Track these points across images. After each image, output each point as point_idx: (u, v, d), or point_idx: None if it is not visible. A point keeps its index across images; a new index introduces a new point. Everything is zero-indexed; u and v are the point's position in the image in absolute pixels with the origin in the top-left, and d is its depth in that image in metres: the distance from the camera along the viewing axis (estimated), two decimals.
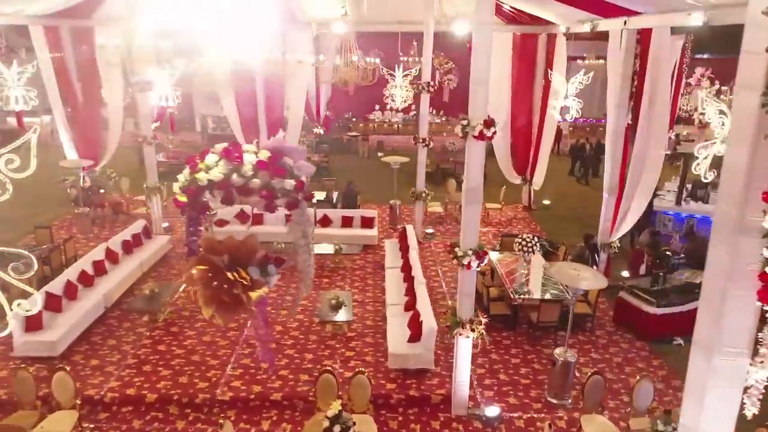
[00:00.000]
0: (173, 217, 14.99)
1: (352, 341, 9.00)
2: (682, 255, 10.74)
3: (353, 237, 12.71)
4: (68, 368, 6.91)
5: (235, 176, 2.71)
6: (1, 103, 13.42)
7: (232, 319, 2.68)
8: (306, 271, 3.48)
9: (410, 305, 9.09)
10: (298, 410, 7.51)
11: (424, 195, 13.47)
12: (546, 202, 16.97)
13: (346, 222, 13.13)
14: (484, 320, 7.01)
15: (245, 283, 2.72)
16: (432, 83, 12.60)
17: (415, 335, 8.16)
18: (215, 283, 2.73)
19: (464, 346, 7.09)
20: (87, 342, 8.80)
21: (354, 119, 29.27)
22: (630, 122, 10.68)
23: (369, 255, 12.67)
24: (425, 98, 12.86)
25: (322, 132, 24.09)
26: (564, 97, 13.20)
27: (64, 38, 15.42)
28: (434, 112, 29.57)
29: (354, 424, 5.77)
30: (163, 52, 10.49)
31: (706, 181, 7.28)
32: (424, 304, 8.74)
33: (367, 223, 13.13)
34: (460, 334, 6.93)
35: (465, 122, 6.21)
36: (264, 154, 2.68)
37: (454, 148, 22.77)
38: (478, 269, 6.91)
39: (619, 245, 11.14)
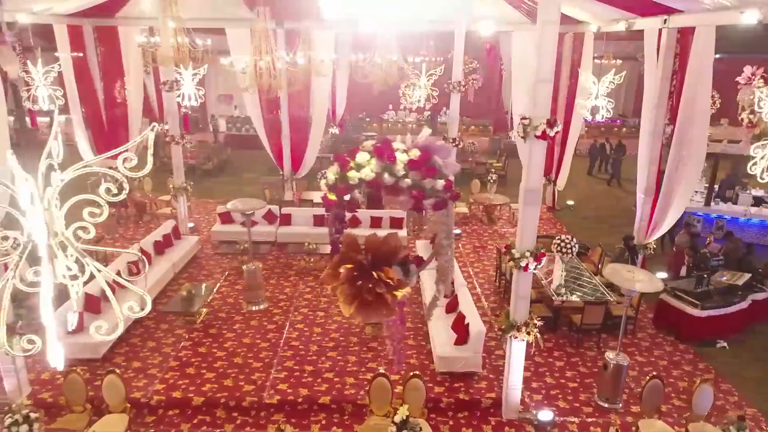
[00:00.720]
0: (197, 217, 14.94)
1: (382, 341, 8.89)
2: (721, 256, 10.62)
3: None
4: (118, 371, 6.81)
5: (386, 175, 2.61)
6: (28, 103, 13.34)
7: (372, 318, 2.60)
8: (447, 272, 3.32)
9: (452, 307, 8.99)
10: (347, 414, 7.41)
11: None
12: (570, 202, 16.86)
13: (375, 222, 13.02)
14: (539, 323, 6.90)
15: (390, 282, 2.62)
16: (463, 83, 12.48)
17: (462, 338, 8.05)
18: (360, 282, 2.64)
19: (518, 349, 6.99)
20: (127, 344, 8.71)
21: (368, 119, 29.22)
22: (667, 122, 10.59)
23: None
24: (455, 98, 12.77)
25: (337, 132, 24.06)
26: (594, 96, 13.09)
27: (87, 37, 15.35)
28: (446, 112, 29.53)
29: (421, 429, 5.67)
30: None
31: (762, 181, 7.16)
32: (468, 306, 8.64)
33: (396, 223, 13.02)
34: (515, 337, 6.83)
35: (527, 122, 6.11)
36: (414, 153, 2.58)
37: (474, 148, 22.63)
38: (535, 271, 6.80)
39: (655, 246, 11.02)
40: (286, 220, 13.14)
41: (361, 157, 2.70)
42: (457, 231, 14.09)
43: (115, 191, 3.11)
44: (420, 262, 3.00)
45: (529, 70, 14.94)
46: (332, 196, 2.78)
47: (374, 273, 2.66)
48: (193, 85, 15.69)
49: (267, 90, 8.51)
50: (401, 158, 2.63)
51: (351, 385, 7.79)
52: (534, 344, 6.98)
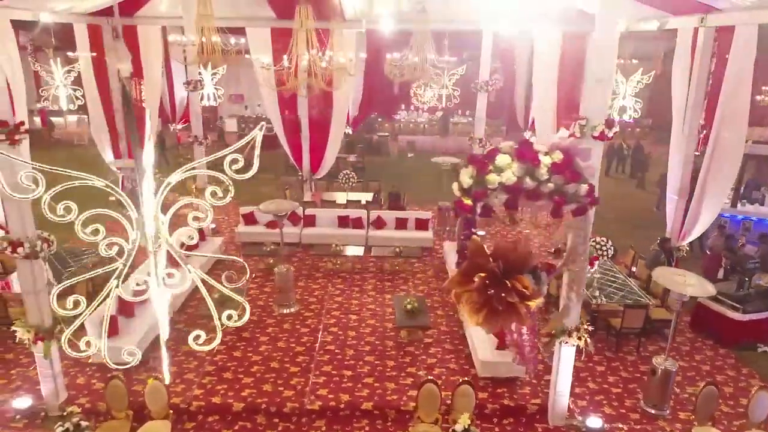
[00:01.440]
0: (217, 218, 14.78)
1: (431, 347, 8.75)
2: (757, 259, 10.47)
3: (409, 239, 12.42)
4: (161, 377, 6.65)
5: (528, 179, 2.47)
6: (48, 103, 13.23)
7: (500, 328, 2.45)
8: (581, 280, 3.12)
9: None
10: (390, 420, 7.27)
11: None
12: None
13: (400, 224, 12.87)
14: (590, 328, 6.76)
15: (524, 292, 2.48)
16: (491, 82, 12.34)
17: (504, 343, 7.90)
18: (491, 290, 2.49)
19: (567, 354, 6.85)
20: (157, 347, 8.54)
21: (380, 119, 29.03)
22: (702, 123, 10.43)
23: (426, 257, 12.41)
24: (482, 97, 12.61)
25: (350, 131, 23.90)
26: (622, 96, 12.96)
27: (107, 37, 15.19)
28: (460, 112, 29.36)
29: None
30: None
31: None
32: None
33: (421, 225, 12.86)
34: (566, 343, 6.68)
35: (583, 122, 5.95)
36: (557, 156, 2.43)
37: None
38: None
39: (688, 248, 10.86)
40: (310, 221, 12.99)
41: (502, 159, 2.55)
42: (482, 232, 13.94)
43: (221, 194, 2.98)
44: (551, 270, 2.85)
45: (550, 70, 14.82)
46: (467, 201, 2.63)
47: (507, 282, 2.51)
48: (212, 85, 15.62)
49: (306, 89, 8.35)
50: (545, 161, 2.48)
51: (392, 391, 7.64)
52: (583, 349, 6.83)
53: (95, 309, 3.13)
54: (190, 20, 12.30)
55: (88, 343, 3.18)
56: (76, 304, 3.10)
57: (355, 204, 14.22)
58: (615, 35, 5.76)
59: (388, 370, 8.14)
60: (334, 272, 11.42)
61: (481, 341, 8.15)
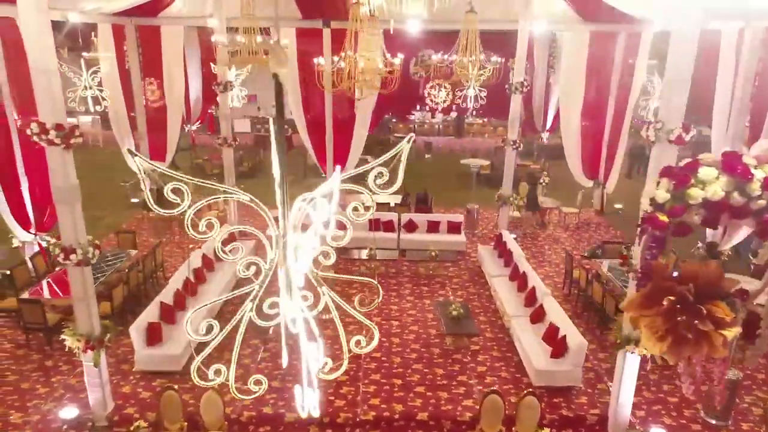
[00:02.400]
0: (246, 220, 14.60)
1: (479, 355, 8.55)
2: None
3: (441, 243, 12.21)
4: (217, 387, 6.46)
5: (736, 195, 2.28)
6: (74, 104, 13.06)
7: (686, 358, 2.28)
8: None
9: (537, 317, 8.65)
10: (446, 431, 7.08)
11: (511, 199, 13.00)
12: (618, 205, 16.49)
13: (432, 227, 12.67)
14: None
15: (723, 319, 2.30)
16: (527, 83, 12.15)
17: (558, 351, 7.71)
18: (680, 316, 2.30)
19: (632, 363, 6.65)
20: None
21: (394, 120, 28.85)
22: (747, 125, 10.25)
23: (460, 261, 12.22)
24: (516, 99, 12.42)
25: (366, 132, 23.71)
26: (658, 98, 12.77)
27: (130, 37, 15.03)
28: (474, 113, 29.17)
29: None
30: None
31: None
32: (559, 317, 8.29)
33: (453, 228, 12.66)
34: (632, 351, 6.49)
35: (659, 125, 5.76)
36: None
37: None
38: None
39: (730, 252, 10.67)
40: (339, 224, 12.76)
41: (707, 172, 2.36)
42: (513, 235, 13.74)
43: (362, 210, 2.79)
44: (745, 297, 2.66)
45: (578, 71, 14.57)
46: (663, 218, 2.44)
47: (701, 308, 2.32)
48: (237, 85, 15.42)
49: (351, 90, 8.18)
50: (759, 175, 2.29)
51: (446, 401, 7.45)
52: (650, 359, 6.64)
53: (224, 334, 2.93)
54: (222, 21, 12.20)
55: (218, 372, 3.00)
56: (209, 329, 2.92)
57: (383, 207, 14.01)
58: (694, 35, 5.55)
59: (438, 378, 7.94)
60: (369, 277, 11.20)
61: (533, 349, 7.96)
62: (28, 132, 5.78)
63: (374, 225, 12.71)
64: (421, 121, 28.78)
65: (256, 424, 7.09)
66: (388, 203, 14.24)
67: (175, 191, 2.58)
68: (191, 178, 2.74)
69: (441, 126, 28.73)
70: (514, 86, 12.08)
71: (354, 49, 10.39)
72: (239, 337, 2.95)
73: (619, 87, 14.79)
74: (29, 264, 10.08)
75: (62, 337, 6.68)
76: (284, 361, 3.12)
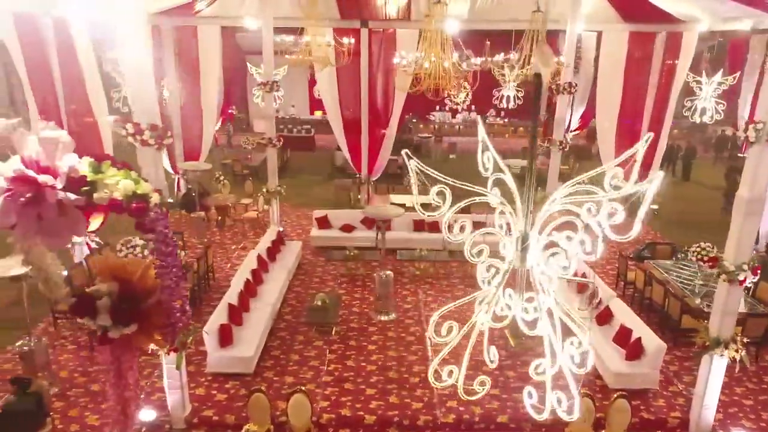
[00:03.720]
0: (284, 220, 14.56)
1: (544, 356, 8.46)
2: None
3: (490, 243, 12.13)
4: (304, 388, 6.42)
5: None
6: (118, 104, 12.99)
7: None
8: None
9: (604, 319, 8.59)
10: None
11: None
12: (653, 206, 16.41)
13: (478, 228, 12.56)
14: (745, 340, 6.51)
15: None
16: (575, 83, 12.10)
17: (633, 353, 7.66)
18: None
19: (719, 366, 6.60)
20: (269, 357, 8.33)
21: (414, 120, 28.78)
22: None
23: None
24: (563, 99, 12.37)
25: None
26: (703, 98, 12.72)
27: (166, 37, 15.00)
28: (494, 113, 29.10)
29: None
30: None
31: None
32: (630, 318, 8.23)
33: None
34: (721, 355, 6.43)
35: (760, 126, 5.71)
36: None
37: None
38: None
39: None
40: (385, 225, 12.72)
41: None
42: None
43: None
44: None
45: (616, 72, 14.47)
46: None
47: None
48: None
49: (430, 90, 8.14)
50: None
51: (523, 403, 7.37)
52: (738, 362, 6.59)
53: (461, 336, 2.90)
54: (269, 20, 12.14)
55: (450, 373, 2.97)
56: (450, 330, 2.91)
57: (425, 208, 13.95)
58: None
59: (511, 380, 7.89)
60: (420, 278, 11.18)
61: (606, 352, 7.90)
62: (123, 132, 5.75)
63: (419, 225, 12.69)
64: (442, 122, 28.72)
65: (335, 426, 7.04)
66: (429, 204, 14.15)
67: (440, 194, 2.55)
68: (455, 180, 2.69)
69: (461, 126, 28.67)
70: (562, 87, 12.03)
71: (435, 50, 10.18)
72: (472, 340, 2.92)
73: (658, 88, 14.72)
74: (84, 265, 10.04)
75: None
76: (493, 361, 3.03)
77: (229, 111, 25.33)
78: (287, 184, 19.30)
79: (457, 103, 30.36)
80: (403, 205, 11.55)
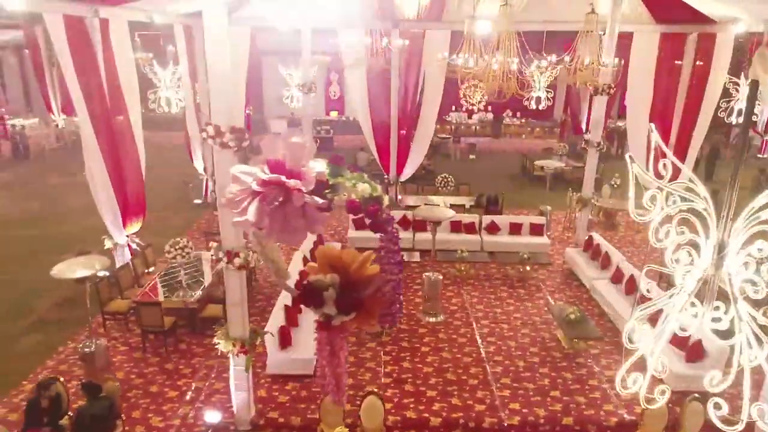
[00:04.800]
0: None
1: (601, 359, 8.49)
2: None
3: (525, 245, 12.15)
4: (377, 390, 6.43)
5: None
6: (154, 105, 13.00)
7: None
8: None
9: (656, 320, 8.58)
10: None
11: (591, 201, 12.94)
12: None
13: (515, 229, 12.62)
14: None
15: None
16: (611, 85, 12.08)
17: (694, 354, 7.65)
18: None
19: None
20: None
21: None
22: None
23: (547, 264, 12.16)
24: (602, 101, 12.36)
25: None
26: (740, 100, 12.71)
27: (197, 38, 15.01)
28: (511, 114, 29.11)
29: None
30: None
31: None
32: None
33: (536, 230, 12.61)
34: None
35: None
36: None
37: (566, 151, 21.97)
38: None
39: None
40: (421, 226, 12.74)
41: None
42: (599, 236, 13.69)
43: None
44: None
45: (647, 72, 14.44)
46: None
47: None
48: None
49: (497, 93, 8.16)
50: None
51: (586, 405, 7.39)
52: None
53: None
54: (308, 21, 12.15)
55: (633, 381, 2.97)
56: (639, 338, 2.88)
57: (458, 209, 13.96)
58: None
59: (570, 382, 7.89)
60: (461, 279, 11.17)
61: (665, 353, 7.87)
62: (203, 135, 5.75)
63: (456, 227, 12.68)
64: (458, 122, 28.69)
65: (401, 428, 7.04)
66: (463, 205, 14.19)
67: (652, 198, 2.54)
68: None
69: (477, 127, 28.66)
70: (601, 88, 12.01)
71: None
72: (658, 347, 2.91)
73: (691, 89, 14.71)
74: (131, 266, 10.05)
75: (215, 340, 6.64)
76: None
77: (246, 112, 25.35)
78: None
79: (473, 104, 30.56)
80: (454, 206, 11.60)
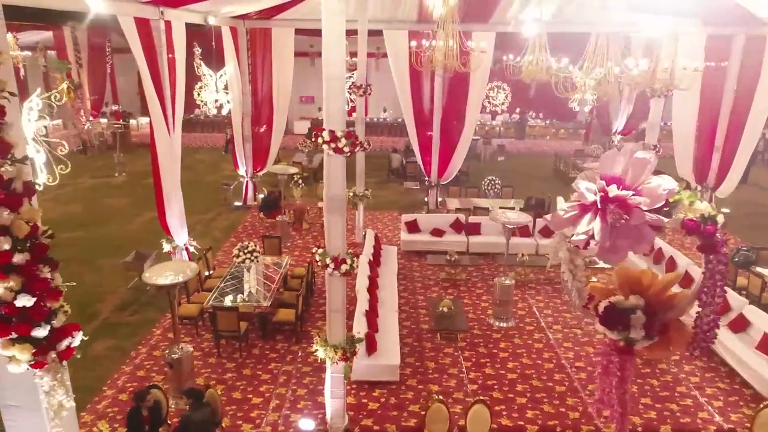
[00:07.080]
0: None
1: (684, 364, 8.39)
2: None
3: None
4: (486, 399, 6.34)
5: None
6: (203, 105, 12.95)
7: None
8: None
9: (739, 326, 8.50)
10: None
11: None
12: (725, 210, 16.29)
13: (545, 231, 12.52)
14: None
15: None
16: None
17: None
18: None
19: None
20: (405, 364, 8.23)
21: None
22: None
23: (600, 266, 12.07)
24: (658, 102, 12.29)
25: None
26: None
27: (241, 39, 14.92)
28: (535, 115, 29.02)
29: None
30: None
31: None
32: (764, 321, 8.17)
33: None
34: None
35: None
36: None
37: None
38: None
39: None
40: (474, 229, 12.67)
41: None
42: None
43: None
44: None
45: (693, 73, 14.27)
46: None
47: None
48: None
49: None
50: None
51: (680, 412, 7.31)
52: None
53: None
54: (364, 23, 12.03)
55: None
56: None
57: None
58: None
59: (657, 389, 7.79)
60: (523, 283, 11.08)
61: (753, 360, 7.80)
62: (320, 140, 5.67)
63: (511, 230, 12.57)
64: (482, 123, 28.56)
65: None
66: (512, 208, 14.08)
67: None
68: None
69: (502, 128, 28.54)
70: (659, 90, 11.93)
71: None
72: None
73: (739, 91, 14.60)
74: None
75: (314, 348, 6.55)
76: None
77: None
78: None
79: (496, 105, 30.46)
80: (512, 208, 11.49)
